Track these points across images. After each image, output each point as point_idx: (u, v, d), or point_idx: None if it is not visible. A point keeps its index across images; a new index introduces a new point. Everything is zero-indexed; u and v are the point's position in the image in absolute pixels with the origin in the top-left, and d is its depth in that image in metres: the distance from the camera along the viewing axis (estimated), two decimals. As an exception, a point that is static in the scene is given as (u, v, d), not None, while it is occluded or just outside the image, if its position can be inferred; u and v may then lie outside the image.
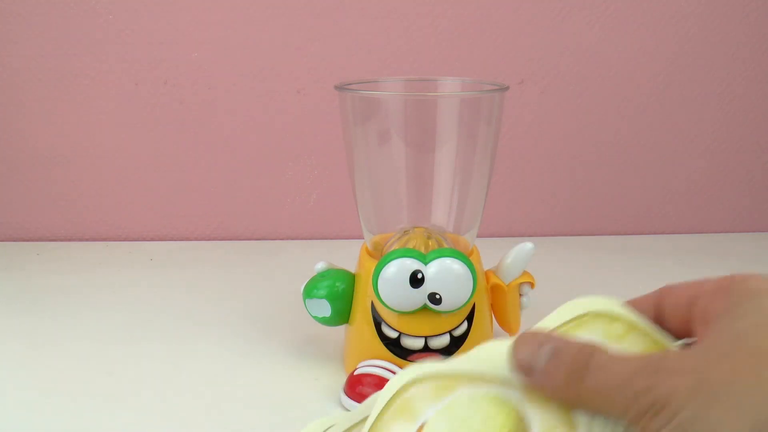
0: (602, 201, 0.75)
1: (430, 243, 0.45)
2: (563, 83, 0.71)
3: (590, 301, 0.26)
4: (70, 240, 0.74)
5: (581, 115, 0.72)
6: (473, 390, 0.25)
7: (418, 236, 0.45)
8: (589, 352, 0.23)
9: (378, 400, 0.26)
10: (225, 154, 0.72)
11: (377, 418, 0.26)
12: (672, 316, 0.26)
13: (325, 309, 0.46)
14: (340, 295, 0.46)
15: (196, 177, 0.73)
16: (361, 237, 0.49)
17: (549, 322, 0.26)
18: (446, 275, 0.41)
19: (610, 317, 0.25)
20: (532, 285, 0.47)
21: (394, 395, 0.26)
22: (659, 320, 0.26)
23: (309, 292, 0.46)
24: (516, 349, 0.25)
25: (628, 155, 0.74)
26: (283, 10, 0.68)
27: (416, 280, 0.41)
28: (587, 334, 0.25)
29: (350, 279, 0.47)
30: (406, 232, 0.46)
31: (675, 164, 0.74)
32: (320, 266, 0.48)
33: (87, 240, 0.74)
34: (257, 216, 0.74)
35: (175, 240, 0.74)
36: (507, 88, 0.45)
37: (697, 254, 0.69)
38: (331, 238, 0.75)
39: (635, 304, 0.27)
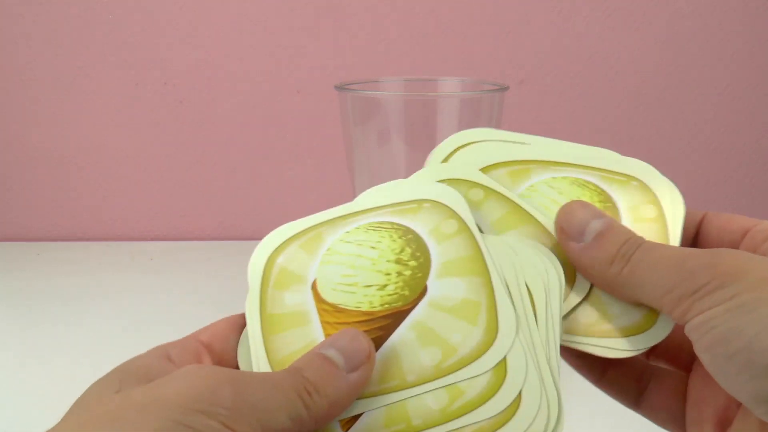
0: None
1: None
2: (563, 83, 0.71)
3: (436, 190, 0.26)
4: (70, 240, 0.74)
5: (581, 115, 0.72)
6: (346, 229, 0.26)
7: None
8: (638, 240, 0.22)
9: (250, 280, 0.26)
10: (225, 154, 0.72)
11: (261, 297, 0.25)
12: (717, 240, 0.25)
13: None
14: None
15: (196, 177, 0.73)
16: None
17: (395, 194, 0.26)
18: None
19: (449, 212, 0.26)
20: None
21: (264, 269, 0.26)
22: (694, 240, 0.25)
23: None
24: (567, 213, 0.24)
25: (628, 155, 0.74)
26: (283, 10, 0.68)
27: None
28: (417, 224, 0.25)
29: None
30: (406, 232, 0.46)
31: (675, 164, 0.74)
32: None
33: (87, 240, 0.74)
34: (257, 216, 0.74)
35: (175, 240, 0.74)
36: (507, 88, 0.45)
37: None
38: (331, 238, 0.75)
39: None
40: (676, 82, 0.71)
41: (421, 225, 0.26)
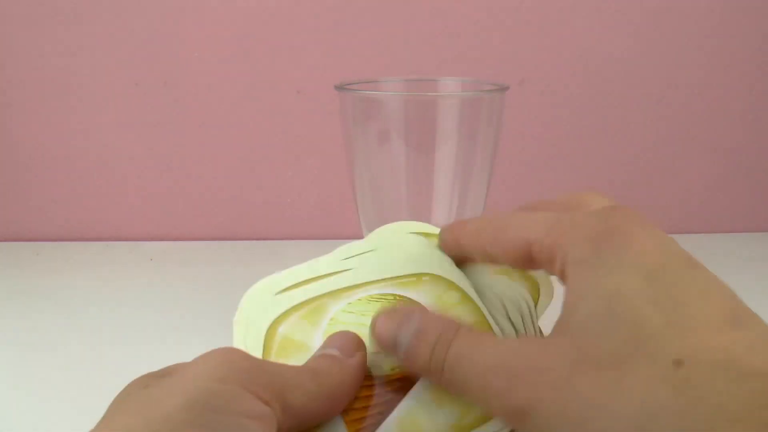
0: (602, 201, 0.75)
1: (430, 243, 0.45)
2: (563, 83, 0.71)
3: (430, 262, 0.27)
4: (70, 240, 0.74)
5: (581, 115, 0.72)
6: (349, 300, 0.27)
7: (418, 236, 0.45)
8: (449, 338, 0.22)
9: (247, 343, 0.26)
10: (225, 154, 0.72)
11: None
12: (538, 254, 0.25)
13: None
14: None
15: (196, 177, 0.73)
16: (361, 237, 0.49)
17: (395, 267, 0.27)
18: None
19: (449, 284, 0.27)
20: (532, 285, 0.47)
21: (265, 339, 0.26)
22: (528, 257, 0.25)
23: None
24: (379, 324, 0.24)
25: (628, 155, 0.74)
26: (283, 10, 0.68)
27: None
28: (420, 295, 0.26)
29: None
30: (406, 232, 0.46)
31: (675, 164, 0.74)
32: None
33: (87, 240, 0.74)
34: (257, 216, 0.74)
35: (175, 240, 0.74)
36: (507, 88, 0.45)
37: (697, 254, 0.69)
38: (331, 238, 0.75)
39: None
40: (676, 82, 0.71)
41: (424, 296, 0.27)
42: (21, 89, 0.69)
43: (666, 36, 0.70)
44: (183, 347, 0.51)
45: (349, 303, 0.27)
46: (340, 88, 0.45)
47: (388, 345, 0.24)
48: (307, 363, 0.23)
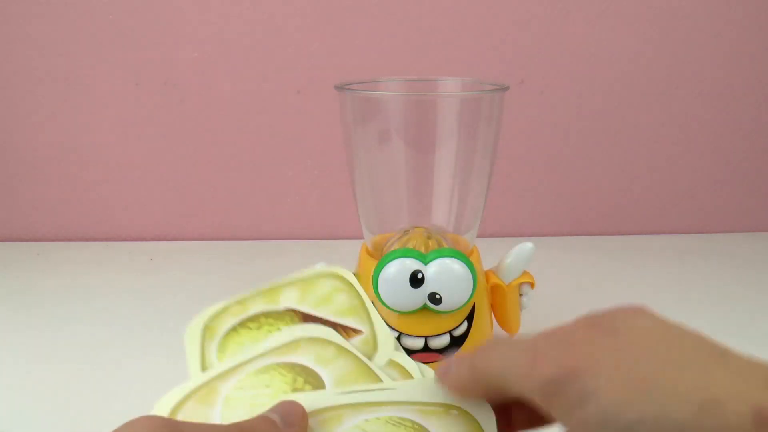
0: (602, 201, 0.75)
1: (430, 243, 0.45)
2: (563, 83, 0.71)
3: (306, 327, 0.29)
4: (70, 240, 0.74)
5: (581, 115, 0.72)
6: (237, 377, 0.28)
7: (418, 236, 0.45)
8: None
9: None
10: (225, 154, 0.72)
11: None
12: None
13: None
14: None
15: (196, 177, 0.73)
16: (361, 237, 0.49)
17: (270, 343, 0.29)
18: (446, 275, 0.41)
19: (323, 341, 0.28)
20: (532, 285, 0.47)
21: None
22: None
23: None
24: None
25: (628, 155, 0.74)
26: (283, 10, 0.68)
27: (416, 280, 0.41)
28: (301, 357, 0.28)
29: (350, 279, 0.47)
30: (406, 232, 0.46)
31: (675, 164, 0.74)
32: (320, 266, 0.48)
33: (87, 240, 0.74)
34: (257, 216, 0.74)
35: (175, 240, 0.74)
36: (507, 88, 0.45)
37: (697, 254, 0.69)
38: (331, 238, 0.75)
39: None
40: (676, 81, 0.71)
41: (303, 358, 0.28)
42: (21, 89, 0.70)
43: (666, 36, 0.70)
44: (183, 346, 0.51)
45: (239, 380, 0.28)
46: (340, 88, 0.45)
47: None
48: (240, 422, 0.24)
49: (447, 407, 0.26)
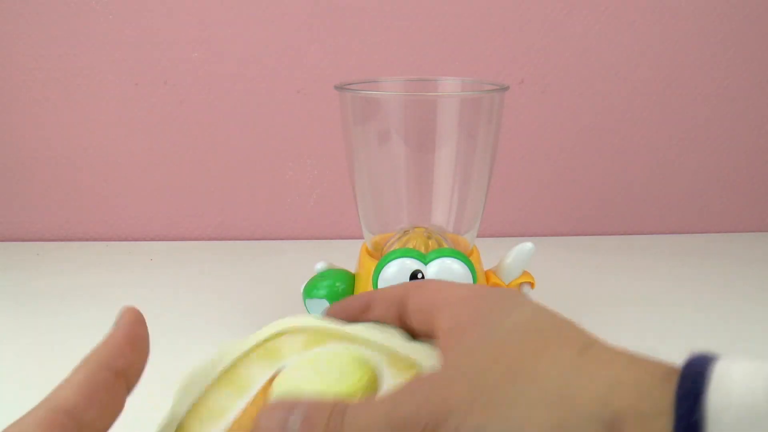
0: (602, 201, 0.75)
1: (430, 243, 0.45)
2: (563, 83, 0.71)
3: (287, 320, 0.27)
4: (70, 240, 0.74)
5: (581, 115, 0.72)
6: (338, 346, 0.26)
7: (418, 236, 0.45)
8: (341, 410, 0.22)
9: (248, 339, 0.27)
10: (225, 154, 0.72)
11: (244, 354, 0.27)
12: (415, 317, 0.25)
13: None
14: (340, 295, 0.46)
15: (196, 177, 0.73)
16: (361, 237, 0.49)
17: (246, 344, 0.28)
18: (446, 275, 0.41)
19: (305, 330, 0.27)
20: (532, 285, 0.47)
21: (264, 340, 0.27)
22: (402, 316, 0.26)
23: (309, 292, 0.46)
24: (263, 419, 0.23)
25: (628, 155, 0.74)
26: (283, 10, 0.68)
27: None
28: (287, 348, 0.27)
29: (350, 279, 0.47)
30: (406, 232, 0.46)
31: (675, 164, 0.74)
32: (320, 266, 0.48)
33: (87, 240, 0.74)
34: (257, 216, 0.74)
35: (175, 240, 0.74)
36: (507, 88, 0.45)
37: (697, 254, 0.69)
38: (331, 238, 0.75)
39: (383, 296, 0.27)
40: (676, 81, 0.71)
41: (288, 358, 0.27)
42: (21, 89, 0.70)
43: (666, 36, 0.70)
44: (183, 347, 0.51)
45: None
46: (340, 88, 0.45)
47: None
48: None
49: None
